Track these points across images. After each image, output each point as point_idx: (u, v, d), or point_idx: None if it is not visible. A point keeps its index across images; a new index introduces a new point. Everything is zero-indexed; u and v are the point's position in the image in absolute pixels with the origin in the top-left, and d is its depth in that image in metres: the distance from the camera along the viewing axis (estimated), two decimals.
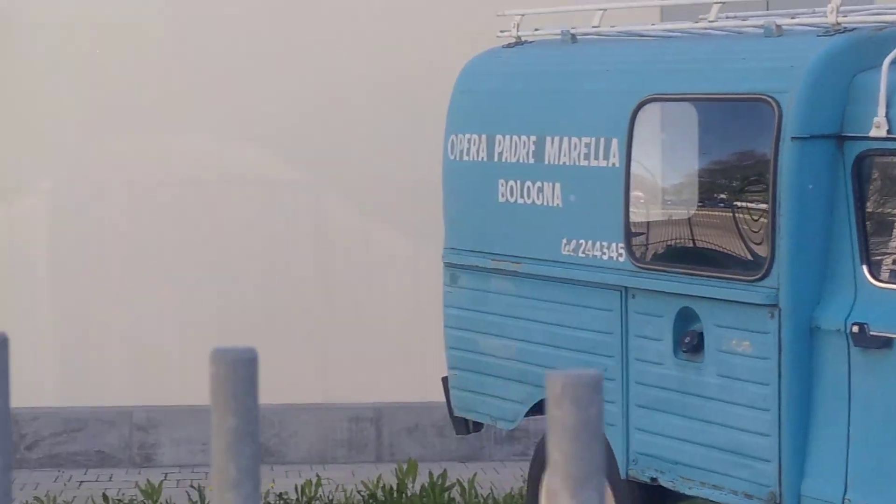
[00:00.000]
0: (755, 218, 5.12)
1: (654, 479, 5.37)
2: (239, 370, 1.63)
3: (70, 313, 7.85)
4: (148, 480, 7.15)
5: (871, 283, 4.74)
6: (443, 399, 7.75)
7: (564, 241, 5.67)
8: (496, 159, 5.98)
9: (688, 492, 5.28)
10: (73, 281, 7.89)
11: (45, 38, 7.82)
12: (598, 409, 1.66)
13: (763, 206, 4.98)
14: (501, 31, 6.14)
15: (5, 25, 7.78)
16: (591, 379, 1.66)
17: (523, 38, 6.10)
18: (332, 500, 7.15)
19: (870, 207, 4.83)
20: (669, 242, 5.62)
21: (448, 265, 6.25)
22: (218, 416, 1.64)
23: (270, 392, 7.89)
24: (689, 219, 5.55)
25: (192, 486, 7.28)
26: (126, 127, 7.90)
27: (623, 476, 5.44)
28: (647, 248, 5.55)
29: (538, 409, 5.95)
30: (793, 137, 4.83)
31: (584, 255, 5.59)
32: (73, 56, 7.84)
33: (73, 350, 7.89)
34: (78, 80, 7.85)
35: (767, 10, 6.54)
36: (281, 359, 7.90)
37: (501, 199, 5.96)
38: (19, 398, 7.69)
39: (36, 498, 7.10)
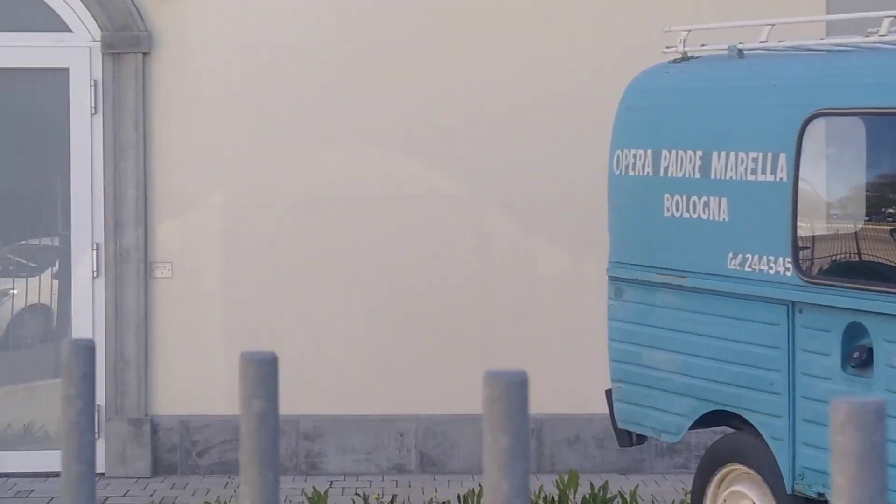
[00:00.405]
0: None
1: (820, 495, 5.36)
2: (512, 391, 1.74)
3: (239, 324, 8.06)
4: (314, 488, 7.31)
5: None
6: (603, 411, 7.81)
7: (731, 255, 5.71)
8: (662, 174, 6.03)
9: None
10: (242, 293, 8.11)
11: (214, 60, 8.06)
12: (882, 436, 1.73)
13: None
14: (668, 47, 6.20)
15: (179, 48, 8.04)
16: (875, 406, 1.73)
17: (689, 54, 6.15)
18: None
19: None
20: (837, 257, 5.63)
21: (613, 279, 6.32)
22: (491, 435, 1.75)
23: (433, 402, 8.07)
24: (856, 233, 5.55)
25: (357, 494, 7.45)
26: (292, 144, 8.10)
27: (789, 491, 5.45)
28: (814, 263, 5.56)
29: (702, 422, 6.00)
30: None
31: (750, 270, 5.62)
32: (241, 76, 8.06)
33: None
34: (246, 99, 8.08)
35: None
36: (442, 369, 8.04)
37: (667, 214, 6.02)
38: (191, 406, 7.98)
39: (206, 503, 7.33)
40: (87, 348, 1.85)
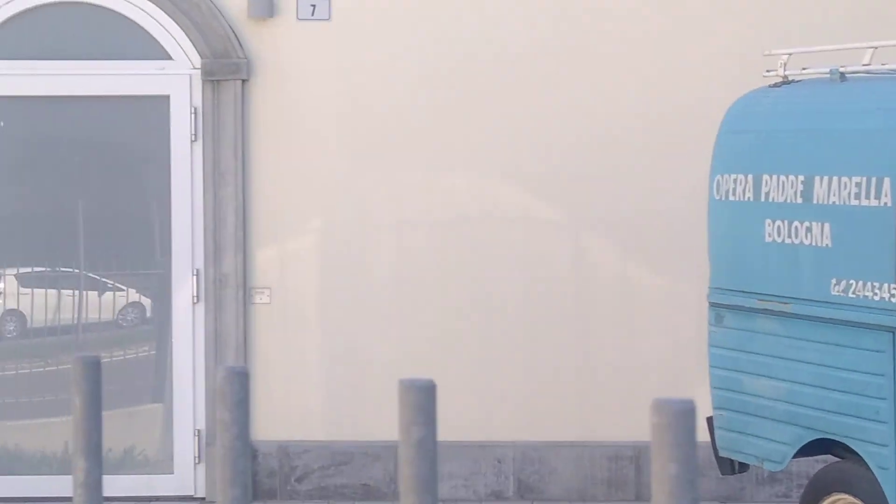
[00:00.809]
0: None
1: None
2: (680, 420, 1.75)
3: (337, 349, 8.12)
4: None
5: None
6: (704, 438, 7.77)
7: (834, 280, 5.65)
8: (763, 199, 5.99)
9: None
10: (340, 318, 8.17)
11: (311, 85, 8.16)
12: None
13: None
14: (768, 71, 6.17)
15: (277, 74, 8.15)
16: None
17: (790, 78, 6.11)
18: None
19: None
20: None
21: (714, 305, 6.28)
22: (659, 463, 1.76)
23: (531, 429, 8.07)
24: None
25: None
26: (389, 167, 8.16)
27: None
28: None
29: (805, 450, 5.94)
30: None
31: (854, 296, 5.56)
32: (338, 100, 8.15)
33: (340, 385, 8.16)
34: (343, 123, 8.16)
35: None
36: (540, 395, 8.04)
37: (768, 239, 5.98)
38: (290, 431, 8.05)
39: None
40: (241, 374, 1.89)
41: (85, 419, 2.09)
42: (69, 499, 7.75)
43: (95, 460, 2.10)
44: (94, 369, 2.08)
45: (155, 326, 8.43)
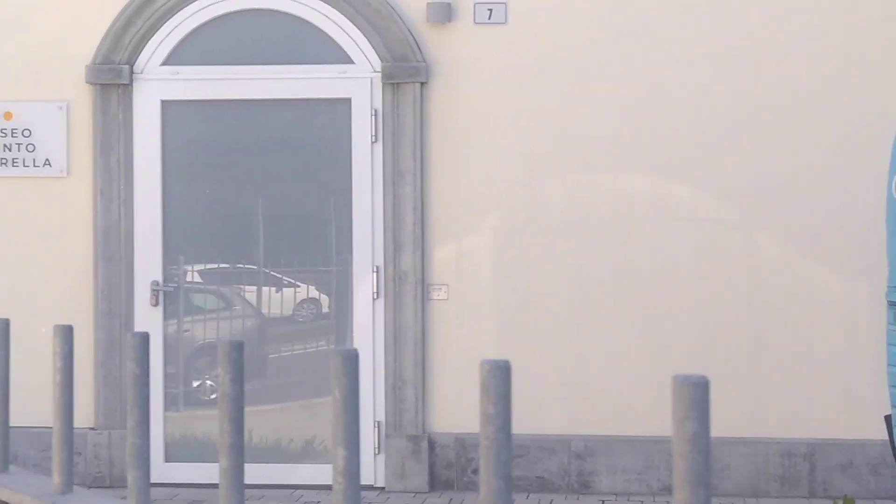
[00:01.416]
0: None
1: None
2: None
3: (511, 345, 8.31)
4: None
5: None
6: (878, 436, 7.83)
7: None
8: None
9: None
10: (514, 314, 8.38)
11: (488, 86, 8.37)
12: None
13: None
14: None
15: (455, 76, 8.38)
16: None
17: None
18: None
19: None
20: None
21: (892, 303, 6.36)
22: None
23: None
24: None
25: None
26: (564, 166, 8.34)
27: None
28: None
29: None
30: None
31: None
32: (514, 101, 8.35)
33: (515, 380, 8.33)
34: (523, 122, 8.36)
35: None
36: (715, 391, 8.14)
37: None
38: (466, 424, 8.30)
39: None
40: (505, 368, 2.09)
41: (345, 411, 2.33)
42: (328, 486, 8.05)
43: (354, 449, 2.34)
44: (352, 362, 2.31)
45: (332, 321, 8.72)
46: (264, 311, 8.79)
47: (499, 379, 2.11)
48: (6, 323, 3.62)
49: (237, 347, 2.72)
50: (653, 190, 8.30)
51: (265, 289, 8.80)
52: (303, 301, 8.84)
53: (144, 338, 3.05)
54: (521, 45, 8.36)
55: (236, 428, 2.72)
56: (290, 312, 8.84)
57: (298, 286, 8.80)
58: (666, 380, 8.18)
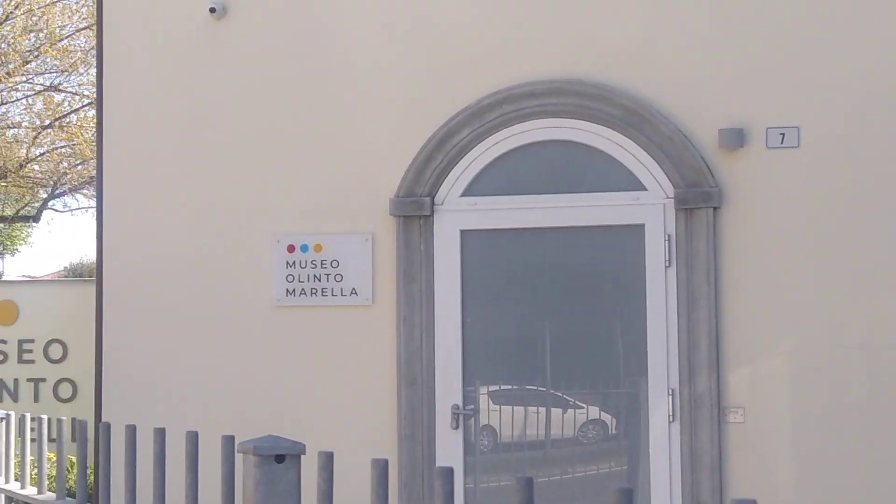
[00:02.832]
0: None
1: None
2: None
3: (809, 473, 8.30)
4: None
5: None
6: None
7: None
8: None
9: None
10: (813, 440, 8.40)
11: (783, 208, 8.47)
12: None
13: None
14: None
15: (749, 198, 8.56)
16: None
17: None
18: None
19: None
20: None
21: None
22: None
23: None
24: None
25: None
26: (865, 288, 8.39)
27: None
28: None
29: None
30: None
31: None
32: (806, 221, 8.45)
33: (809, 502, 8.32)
34: (821, 246, 8.45)
35: None
36: None
37: None
38: None
39: None
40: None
41: None
42: None
43: None
44: (626, 498, 2.44)
45: (619, 443, 8.87)
46: (551, 431, 8.99)
47: None
48: (329, 456, 3.55)
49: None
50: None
51: (552, 409, 9.02)
52: (586, 422, 9.03)
53: (448, 475, 3.11)
54: (813, 168, 8.48)
55: None
56: (574, 433, 9.02)
57: (581, 407, 9.00)
58: None
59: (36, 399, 13.97)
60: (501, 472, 9.00)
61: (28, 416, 3.68)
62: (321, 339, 9.17)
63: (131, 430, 3.33)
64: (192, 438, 3.43)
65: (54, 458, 10.92)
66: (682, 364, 8.60)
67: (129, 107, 9.66)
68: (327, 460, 3.46)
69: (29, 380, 14.01)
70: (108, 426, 3.23)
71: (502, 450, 9.10)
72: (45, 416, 3.50)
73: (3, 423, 3.68)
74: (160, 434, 3.40)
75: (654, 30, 8.78)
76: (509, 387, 9.09)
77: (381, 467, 3.33)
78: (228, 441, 3.17)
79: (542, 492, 8.80)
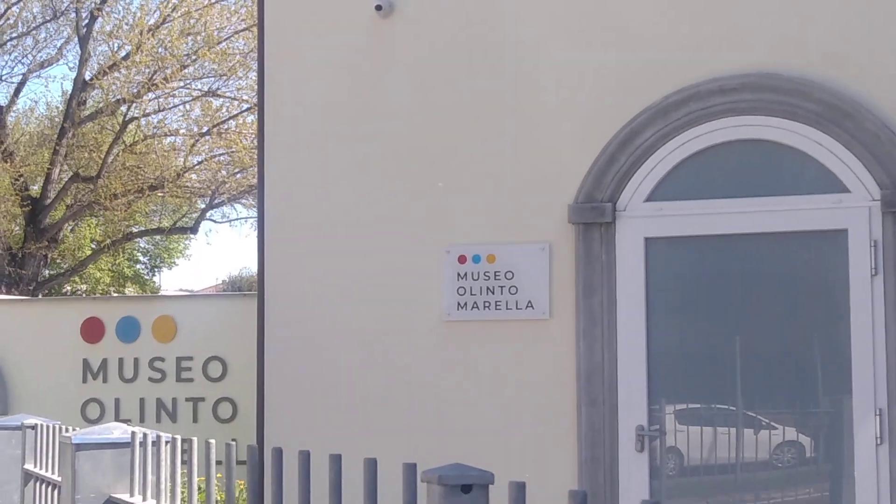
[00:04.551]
0: None
1: None
2: None
3: None
4: None
5: None
6: None
7: None
8: None
9: None
10: None
11: None
12: None
13: None
14: None
15: None
16: None
17: None
18: None
19: None
20: None
21: None
22: None
23: None
24: None
25: None
26: None
27: None
28: None
29: None
30: None
31: None
32: None
33: None
34: None
35: None
36: None
37: None
38: None
39: None
40: None
41: None
42: None
43: None
44: None
45: (818, 467, 8.53)
46: (743, 454, 8.71)
47: None
48: (521, 487, 3.35)
49: None
50: None
51: (743, 431, 8.74)
52: (781, 444, 8.72)
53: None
54: None
55: None
56: (767, 456, 8.73)
57: (775, 428, 8.69)
58: None
59: (195, 419, 14.00)
60: (689, 497, 8.70)
61: (194, 440, 3.52)
62: (495, 356, 8.96)
63: (304, 457, 3.14)
64: (371, 466, 3.24)
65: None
66: (892, 381, 8.22)
67: (293, 112, 9.55)
68: (519, 491, 3.29)
69: (188, 399, 14.05)
70: (279, 452, 3.05)
71: (690, 473, 8.83)
72: (212, 441, 3.35)
73: (169, 446, 3.57)
74: (336, 461, 3.20)
75: (856, 21, 8.40)
76: (697, 406, 8.82)
77: (579, 499, 3.17)
78: (410, 469, 2.99)
79: None
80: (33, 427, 5.36)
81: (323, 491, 3.55)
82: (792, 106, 8.43)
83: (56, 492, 4.58)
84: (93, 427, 3.94)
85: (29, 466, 5.36)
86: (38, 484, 5.02)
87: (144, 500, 3.58)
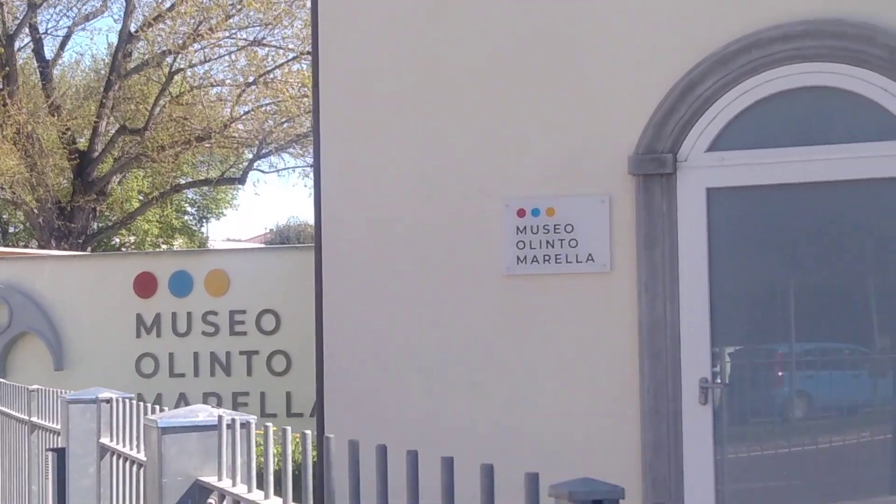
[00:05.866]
0: None
1: None
2: None
3: None
4: None
5: None
6: None
7: None
8: None
9: None
10: None
11: None
12: None
13: None
14: None
15: None
16: None
17: None
18: None
19: None
20: None
21: None
22: None
23: None
24: None
25: None
26: None
27: None
28: None
29: None
30: None
31: None
32: None
33: None
34: None
35: None
36: None
37: None
38: None
39: None
40: None
41: None
42: None
43: None
44: None
45: (875, 410, 8.51)
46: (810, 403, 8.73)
47: None
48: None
49: None
50: None
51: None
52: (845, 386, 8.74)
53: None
54: None
55: None
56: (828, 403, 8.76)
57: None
58: None
59: (249, 373, 14.09)
60: (750, 444, 8.71)
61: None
62: (555, 309, 8.95)
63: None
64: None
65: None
66: None
67: (348, 61, 9.53)
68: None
69: (241, 352, 14.13)
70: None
71: (754, 424, 8.84)
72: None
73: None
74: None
75: None
76: (760, 359, 8.80)
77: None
78: (533, 479, 2.91)
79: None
80: (108, 401, 5.40)
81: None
82: (857, 52, 8.35)
83: (137, 469, 4.62)
84: (177, 410, 3.98)
85: (105, 440, 5.40)
86: (116, 459, 5.06)
87: (234, 485, 3.60)
